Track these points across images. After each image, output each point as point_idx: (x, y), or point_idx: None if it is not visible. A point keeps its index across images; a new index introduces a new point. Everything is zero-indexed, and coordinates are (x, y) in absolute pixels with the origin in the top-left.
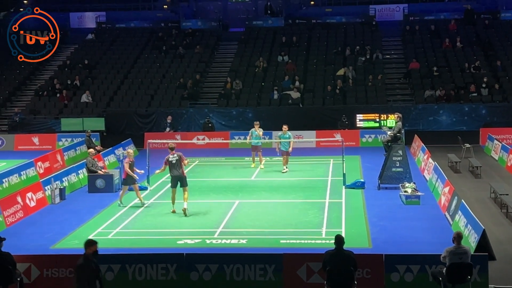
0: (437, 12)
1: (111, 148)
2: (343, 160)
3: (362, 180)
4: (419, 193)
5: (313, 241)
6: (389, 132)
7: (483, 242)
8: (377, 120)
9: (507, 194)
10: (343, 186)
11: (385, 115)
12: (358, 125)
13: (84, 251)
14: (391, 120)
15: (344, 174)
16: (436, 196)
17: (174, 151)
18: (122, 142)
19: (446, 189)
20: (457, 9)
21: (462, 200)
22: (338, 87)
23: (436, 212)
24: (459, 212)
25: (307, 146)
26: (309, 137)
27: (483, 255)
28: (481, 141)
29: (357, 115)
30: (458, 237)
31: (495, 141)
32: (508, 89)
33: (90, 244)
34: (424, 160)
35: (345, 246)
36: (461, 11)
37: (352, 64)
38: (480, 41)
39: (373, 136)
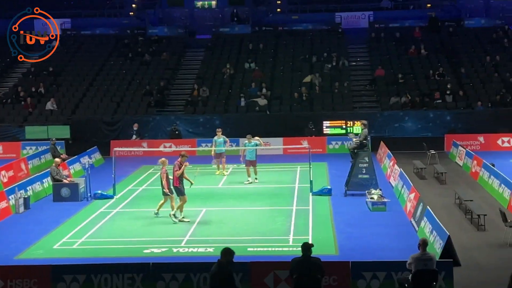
0: (402, 20)
1: (76, 156)
2: (310, 167)
3: (329, 187)
4: (385, 200)
5: (280, 249)
6: (355, 139)
7: (448, 248)
8: (344, 126)
9: (472, 200)
10: (310, 193)
11: (351, 122)
12: (325, 132)
13: (219, 258)
14: (358, 127)
15: (311, 181)
16: (402, 202)
17: (178, 159)
18: (87, 150)
19: (412, 196)
20: (421, 16)
21: (428, 207)
22: (304, 94)
23: (402, 218)
24: (425, 218)
25: (274, 153)
26: (276, 144)
27: (448, 261)
28: (446, 147)
29: (324, 122)
30: (424, 243)
31: (460, 148)
32: (472, 96)
33: (227, 253)
34: (390, 167)
35: (312, 253)
36: (425, 18)
37: (318, 71)
38: (444, 48)
39: (339, 143)
